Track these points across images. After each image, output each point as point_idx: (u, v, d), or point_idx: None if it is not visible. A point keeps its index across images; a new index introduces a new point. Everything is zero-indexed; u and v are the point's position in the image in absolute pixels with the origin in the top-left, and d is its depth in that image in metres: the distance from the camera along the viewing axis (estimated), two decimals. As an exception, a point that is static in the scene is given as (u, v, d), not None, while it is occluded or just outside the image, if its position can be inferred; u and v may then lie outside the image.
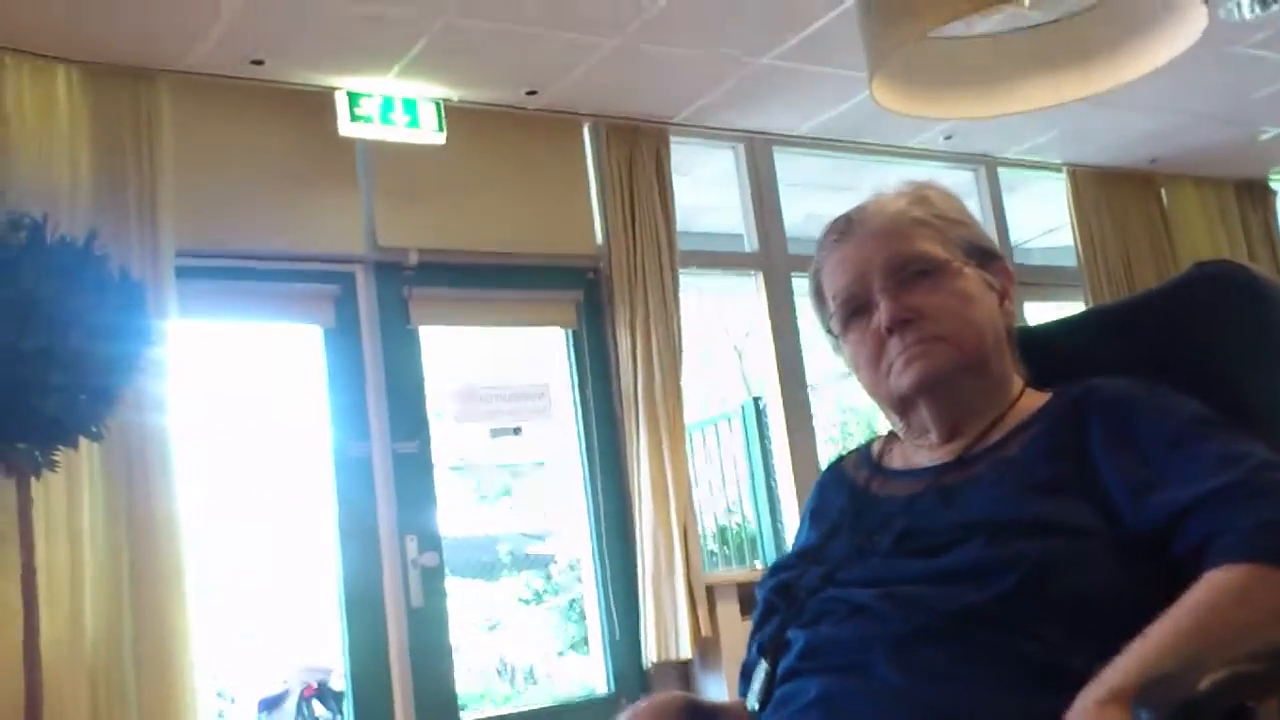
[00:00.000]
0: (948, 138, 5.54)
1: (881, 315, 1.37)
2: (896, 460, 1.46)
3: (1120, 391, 1.32)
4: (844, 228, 1.43)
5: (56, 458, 3.22)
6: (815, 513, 1.50)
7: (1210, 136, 6.05)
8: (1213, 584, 1.10)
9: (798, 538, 1.53)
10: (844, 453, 1.57)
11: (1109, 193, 6.28)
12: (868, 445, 1.55)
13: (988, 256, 1.43)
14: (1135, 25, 4.05)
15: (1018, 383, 1.44)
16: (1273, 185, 6.92)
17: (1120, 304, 1.65)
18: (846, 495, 1.46)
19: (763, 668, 1.33)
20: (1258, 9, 4.58)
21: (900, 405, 1.42)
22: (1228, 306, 1.43)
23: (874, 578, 1.27)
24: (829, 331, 1.48)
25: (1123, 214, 6.31)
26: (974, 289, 1.39)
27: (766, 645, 1.34)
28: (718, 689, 4.47)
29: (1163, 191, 6.54)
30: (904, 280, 1.37)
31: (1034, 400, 1.40)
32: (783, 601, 1.36)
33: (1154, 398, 1.30)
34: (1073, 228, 6.14)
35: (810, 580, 1.34)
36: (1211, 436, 1.23)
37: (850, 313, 1.42)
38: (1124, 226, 6.29)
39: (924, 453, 1.42)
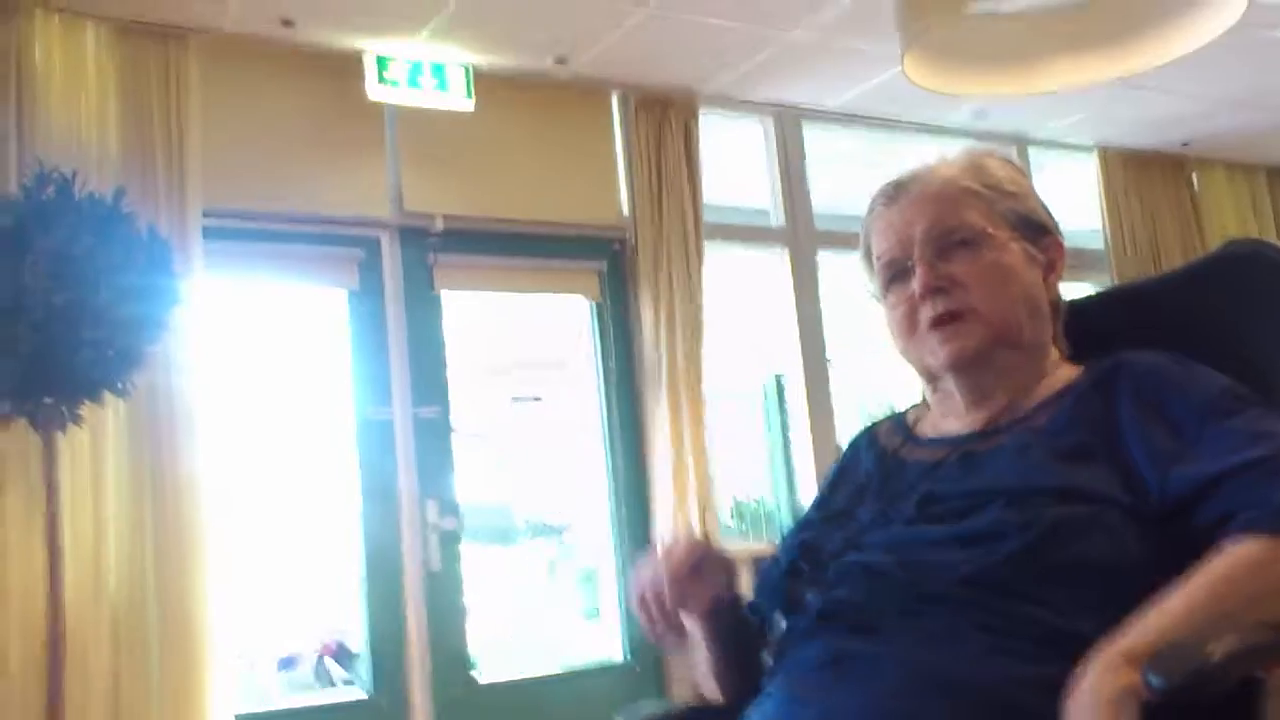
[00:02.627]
0: (979, 116, 5.49)
1: (917, 281, 1.39)
2: (927, 428, 1.48)
3: (1150, 364, 1.33)
4: (892, 192, 1.45)
5: (83, 413, 3.25)
6: (844, 471, 1.52)
7: (1243, 121, 5.99)
8: (1231, 555, 1.11)
9: (822, 490, 1.55)
10: (880, 418, 1.58)
11: (1139, 175, 6.24)
12: (904, 413, 1.56)
13: (1038, 229, 1.44)
14: (1171, 6, 4.01)
15: (1055, 355, 1.44)
16: (1306, 173, 6.85)
17: (1150, 281, 1.65)
18: (875, 459, 1.47)
19: (781, 623, 1.36)
20: (1297, -8, 4.52)
21: (929, 375, 1.45)
22: (1258, 285, 1.43)
23: (893, 543, 1.29)
24: (871, 293, 1.51)
25: (1152, 197, 6.26)
26: (1015, 262, 1.40)
27: (787, 605, 1.36)
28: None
29: (1193, 176, 6.49)
30: (944, 249, 1.39)
31: (1067, 373, 1.41)
32: (807, 563, 1.38)
33: (1184, 371, 1.30)
34: (1101, 210, 6.10)
35: (834, 544, 1.35)
36: (1241, 411, 1.24)
37: (891, 276, 1.44)
38: (1153, 210, 6.24)
39: (953, 420, 1.44)
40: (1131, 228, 6.13)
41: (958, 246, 1.39)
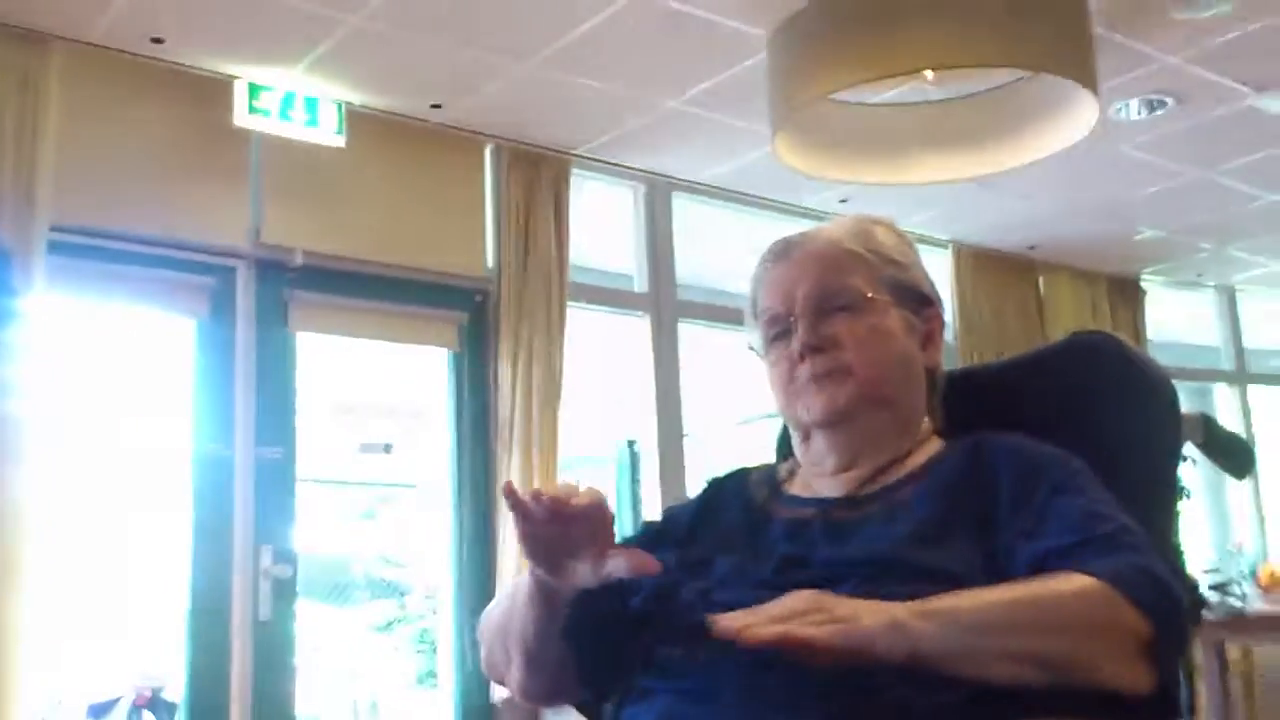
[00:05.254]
0: (843, 201, 5.64)
1: (796, 340, 1.41)
2: (797, 485, 1.48)
3: (1012, 444, 1.36)
4: (781, 249, 1.48)
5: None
6: (706, 513, 1.49)
7: (1088, 230, 6.30)
8: (1061, 576, 1.15)
9: (680, 524, 1.50)
10: (751, 467, 1.57)
11: (989, 273, 6.49)
12: (775, 466, 1.56)
13: (918, 300, 1.47)
14: (1030, 113, 4.22)
15: (927, 426, 1.47)
16: (1143, 285, 7.22)
17: (1001, 364, 1.69)
18: (742, 509, 1.46)
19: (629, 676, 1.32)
20: (1144, 111, 4.81)
21: (804, 431, 1.46)
22: (1100, 373, 1.50)
23: (746, 602, 1.25)
24: (752, 348, 1.52)
25: (1000, 296, 6.51)
26: (893, 327, 1.43)
27: (636, 655, 1.33)
28: (565, 726, 4.41)
29: (1040, 279, 6.78)
30: (825, 310, 1.42)
31: (933, 447, 1.43)
32: (659, 610, 1.34)
33: (1040, 451, 1.35)
34: (952, 303, 6.31)
35: (688, 596, 1.33)
36: (1084, 493, 1.27)
37: (774, 333, 1.46)
38: (1001, 308, 6.50)
39: (822, 481, 1.44)
40: (981, 322, 6.37)
41: (839, 310, 1.42)
